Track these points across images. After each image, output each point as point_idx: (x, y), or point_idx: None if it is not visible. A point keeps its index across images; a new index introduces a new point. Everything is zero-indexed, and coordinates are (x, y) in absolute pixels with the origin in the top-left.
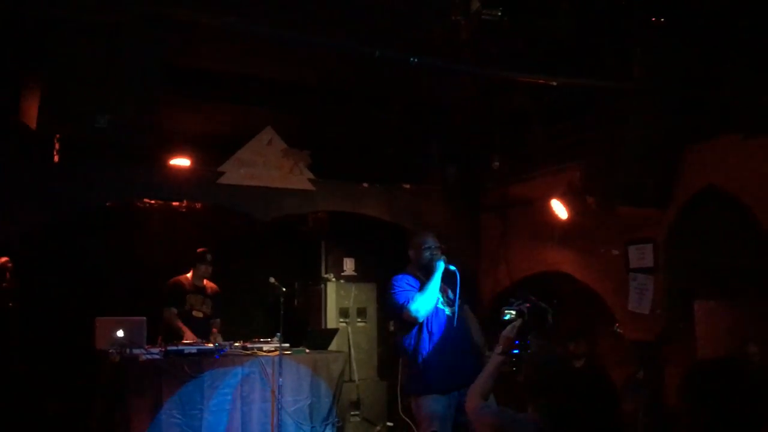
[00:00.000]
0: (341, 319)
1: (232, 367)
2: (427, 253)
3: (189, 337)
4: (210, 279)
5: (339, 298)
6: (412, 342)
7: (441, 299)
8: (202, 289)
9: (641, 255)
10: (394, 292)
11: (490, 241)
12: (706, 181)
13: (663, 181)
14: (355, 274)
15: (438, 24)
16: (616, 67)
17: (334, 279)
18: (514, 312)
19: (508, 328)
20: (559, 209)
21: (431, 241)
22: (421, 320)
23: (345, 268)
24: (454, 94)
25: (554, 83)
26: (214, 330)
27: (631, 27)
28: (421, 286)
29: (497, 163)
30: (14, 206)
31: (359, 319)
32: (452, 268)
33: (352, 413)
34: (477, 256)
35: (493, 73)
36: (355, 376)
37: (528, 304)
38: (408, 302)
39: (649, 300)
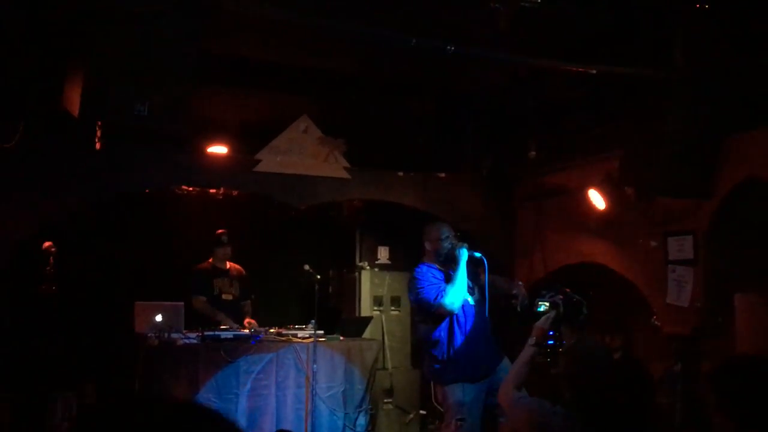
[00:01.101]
0: (375, 307)
1: (268, 353)
2: (446, 243)
3: (226, 322)
4: (233, 261)
5: (373, 287)
6: (443, 334)
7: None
8: (226, 272)
9: (681, 247)
10: (423, 288)
11: (525, 231)
12: (747, 173)
13: (703, 171)
14: (389, 262)
15: (475, 12)
16: (655, 56)
17: (368, 267)
18: (547, 304)
19: (542, 319)
20: (597, 199)
21: (447, 231)
22: (456, 311)
23: (379, 256)
24: (491, 82)
25: (593, 72)
26: (248, 316)
27: (671, 14)
28: (446, 277)
29: (534, 153)
30: (56, 192)
31: (393, 308)
32: (477, 255)
33: (385, 401)
34: (511, 246)
35: (530, 61)
36: (389, 364)
37: (562, 296)
38: (440, 296)
39: (688, 293)
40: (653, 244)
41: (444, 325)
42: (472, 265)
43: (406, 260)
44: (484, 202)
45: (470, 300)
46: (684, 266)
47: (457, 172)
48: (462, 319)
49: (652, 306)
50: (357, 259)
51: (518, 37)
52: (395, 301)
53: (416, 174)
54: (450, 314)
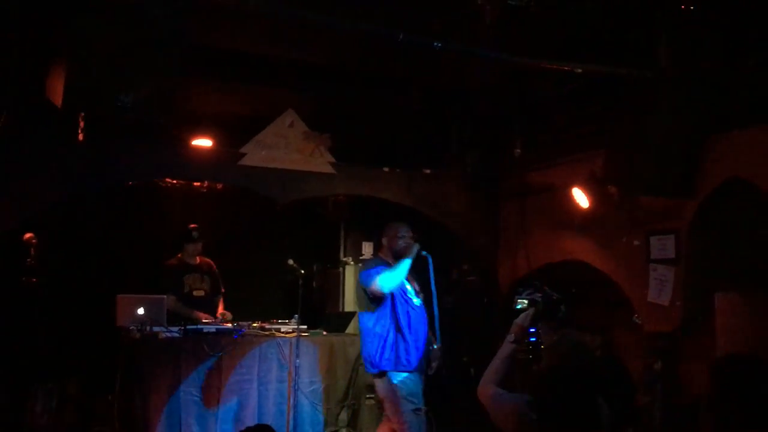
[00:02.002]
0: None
1: (250, 348)
2: (400, 242)
3: (200, 317)
4: (205, 255)
5: (357, 282)
6: (386, 326)
7: (412, 289)
8: (196, 267)
9: (663, 246)
10: (368, 273)
11: (510, 229)
12: (730, 173)
13: (686, 171)
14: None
15: (463, 8)
16: (641, 55)
17: (352, 263)
18: (526, 301)
19: (522, 316)
20: (581, 198)
21: (405, 231)
22: (386, 293)
23: (364, 251)
24: (476, 79)
25: (579, 70)
26: (221, 309)
27: (656, 15)
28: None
29: (519, 150)
30: (39, 183)
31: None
32: (424, 253)
33: (367, 396)
34: (496, 243)
35: (516, 59)
36: None
37: (540, 294)
38: (378, 277)
39: (670, 291)
40: (635, 242)
41: (387, 317)
42: (420, 265)
43: None
44: (469, 199)
45: (416, 301)
46: (666, 265)
47: (443, 169)
48: (405, 315)
49: (634, 304)
50: (341, 255)
51: (505, 35)
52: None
53: (402, 170)
54: (381, 295)
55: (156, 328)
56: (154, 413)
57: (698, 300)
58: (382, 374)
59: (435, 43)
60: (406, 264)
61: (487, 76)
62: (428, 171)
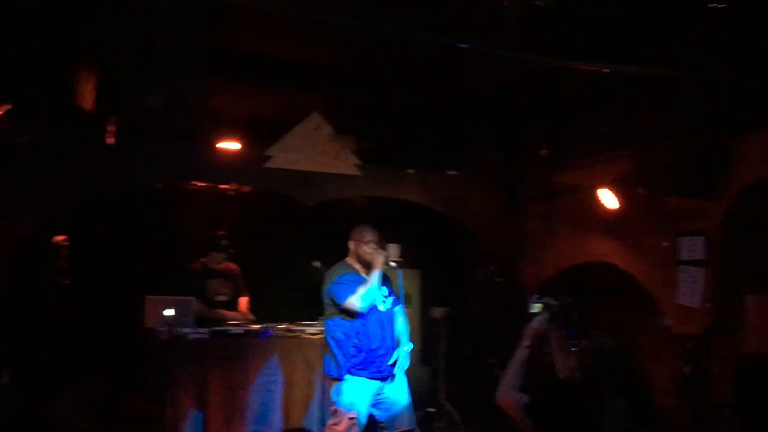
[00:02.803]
0: None
1: (277, 349)
2: (366, 248)
3: (226, 315)
4: (229, 259)
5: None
6: (349, 332)
7: (378, 296)
8: (221, 272)
9: (692, 247)
10: (338, 282)
11: (534, 230)
12: (758, 174)
13: (713, 172)
14: (399, 260)
15: (485, 8)
16: (666, 54)
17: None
18: (541, 305)
19: (537, 319)
20: (608, 198)
21: (371, 235)
22: (363, 311)
23: (389, 252)
24: (500, 80)
25: (606, 70)
26: (244, 309)
27: (683, 13)
28: (365, 281)
29: (545, 151)
30: (69, 186)
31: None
32: (393, 264)
33: None
34: (520, 245)
35: (541, 59)
36: None
37: (554, 298)
38: (350, 296)
39: (699, 293)
40: (664, 244)
41: (350, 323)
42: (388, 272)
43: (415, 258)
44: (493, 201)
45: (381, 307)
46: (695, 267)
47: (466, 170)
48: (369, 321)
49: (662, 306)
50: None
51: (529, 35)
52: (405, 299)
53: (426, 171)
54: (356, 314)
55: (184, 329)
56: (181, 413)
57: (728, 302)
58: (338, 378)
59: (460, 44)
60: (376, 277)
61: (510, 76)
62: (452, 172)
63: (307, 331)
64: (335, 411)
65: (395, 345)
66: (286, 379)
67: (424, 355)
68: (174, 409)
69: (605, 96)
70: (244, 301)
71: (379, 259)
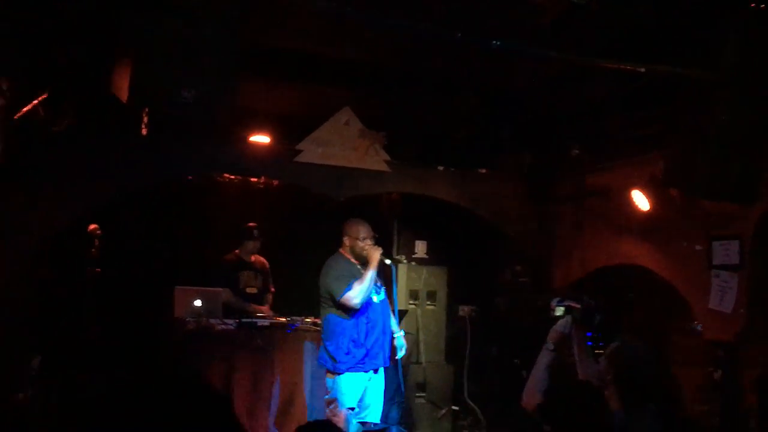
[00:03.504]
0: (411, 301)
1: (302, 343)
2: (361, 244)
3: (255, 309)
4: (262, 254)
5: (409, 280)
6: (345, 324)
7: (372, 289)
8: (252, 265)
9: (726, 251)
10: (335, 277)
11: (564, 231)
12: None
13: (749, 175)
14: (427, 257)
15: (521, 6)
16: (704, 55)
17: (405, 261)
18: (563, 308)
19: (560, 323)
20: (640, 200)
21: (365, 232)
22: (358, 307)
23: (416, 250)
24: (533, 79)
25: (642, 70)
26: (266, 307)
27: (722, 13)
28: (361, 276)
29: (577, 151)
30: (103, 176)
31: (429, 302)
32: (387, 262)
33: (417, 395)
34: (550, 245)
35: (575, 58)
36: (422, 359)
37: (577, 301)
38: (348, 291)
39: (732, 298)
40: (697, 247)
41: (348, 319)
42: (383, 268)
43: (443, 255)
44: (523, 200)
45: (376, 299)
46: (729, 271)
47: (497, 169)
48: (364, 314)
49: (694, 311)
50: (394, 253)
51: (564, 34)
52: (431, 296)
53: (456, 169)
54: (354, 308)
55: (211, 320)
56: None
57: (762, 308)
58: (335, 372)
59: (493, 42)
60: (372, 272)
61: (544, 75)
62: (483, 171)
63: None
64: (332, 401)
65: (389, 336)
66: (311, 373)
67: (448, 352)
68: None
69: (640, 97)
70: (268, 298)
71: (375, 255)
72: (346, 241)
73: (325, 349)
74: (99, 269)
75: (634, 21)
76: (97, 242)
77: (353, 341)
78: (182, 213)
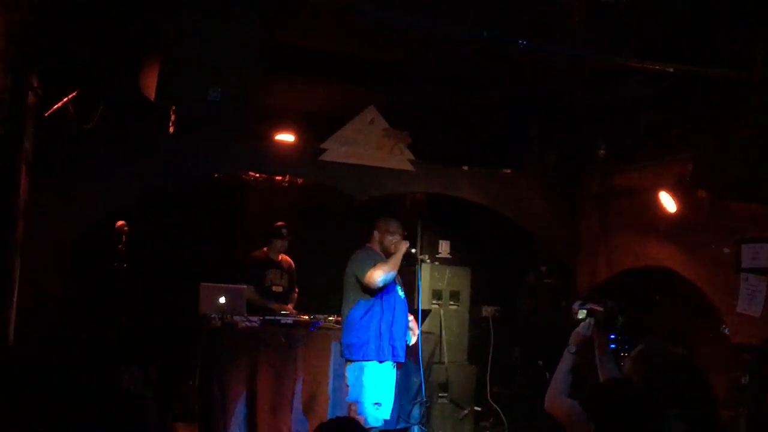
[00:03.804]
0: (434, 301)
1: (325, 341)
2: (390, 237)
3: (277, 308)
4: (287, 253)
5: (433, 280)
6: (369, 314)
7: (398, 284)
8: (279, 264)
9: (755, 254)
10: (362, 261)
11: (590, 232)
12: None
13: None
14: (450, 256)
15: (548, 5)
16: (734, 55)
17: (428, 261)
18: (585, 311)
19: (583, 325)
20: (667, 202)
21: (396, 227)
22: (379, 286)
23: (440, 250)
24: (559, 78)
25: (670, 70)
26: (290, 305)
27: (753, 13)
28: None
29: (603, 151)
30: (131, 173)
31: (452, 302)
32: (414, 251)
33: (440, 395)
34: (575, 246)
35: (603, 57)
36: (445, 359)
37: (599, 303)
38: (373, 270)
39: (761, 302)
40: (725, 250)
41: (371, 306)
42: (407, 263)
43: (467, 255)
44: (548, 201)
45: (401, 294)
46: (757, 275)
47: (522, 169)
48: (389, 306)
49: (721, 314)
50: (418, 252)
51: (592, 33)
52: (454, 296)
53: (481, 169)
54: (375, 287)
55: (236, 317)
56: (230, 399)
57: None
58: (357, 361)
59: (520, 42)
60: (396, 259)
61: (570, 75)
62: (508, 171)
63: None
64: (354, 404)
65: (407, 331)
66: (334, 371)
67: (471, 353)
68: (223, 394)
69: (668, 97)
70: (293, 297)
71: (401, 247)
72: (376, 234)
73: (350, 339)
74: (126, 265)
75: (664, 21)
76: (124, 239)
77: (379, 331)
78: (208, 210)
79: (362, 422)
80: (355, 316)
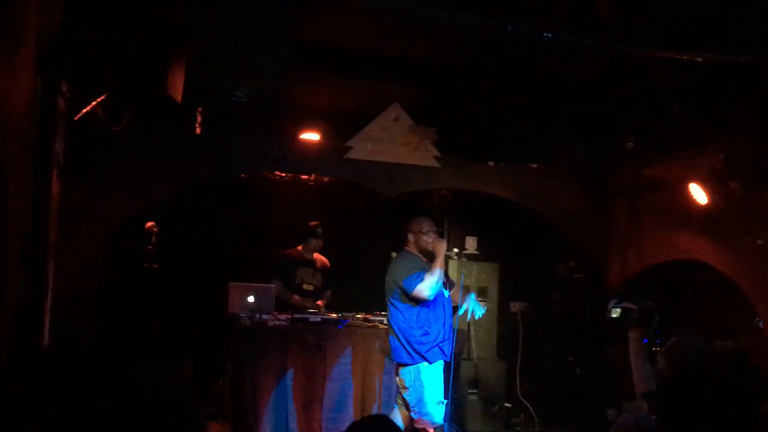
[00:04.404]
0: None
1: (354, 339)
2: (426, 238)
3: (298, 302)
4: (321, 253)
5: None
6: (418, 317)
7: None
8: (312, 263)
9: None
10: (406, 271)
11: (620, 225)
12: None
13: None
14: (477, 252)
15: None
16: (763, 43)
17: (456, 257)
18: (620, 310)
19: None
20: (698, 194)
21: (429, 225)
22: (431, 298)
23: (467, 246)
24: (587, 71)
25: (699, 59)
26: (320, 303)
27: None
28: (430, 269)
29: (632, 144)
30: (159, 174)
31: (480, 298)
32: (456, 250)
33: (469, 391)
34: (605, 240)
35: (630, 48)
36: (474, 355)
37: (634, 303)
38: (420, 281)
39: None
40: (759, 241)
41: (417, 310)
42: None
43: (494, 251)
44: (577, 195)
45: (446, 293)
46: None
47: (550, 163)
48: (436, 307)
49: (757, 307)
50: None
51: (620, 24)
52: (482, 292)
53: (507, 164)
54: (426, 299)
55: (264, 316)
56: (261, 398)
57: None
58: (412, 364)
59: (545, 34)
60: (440, 264)
61: (598, 67)
62: (534, 165)
63: (385, 322)
64: (419, 421)
65: (452, 332)
66: (363, 369)
67: (500, 349)
68: (254, 392)
69: (701, 88)
70: (327, 295)
71: (441, 248)
72: (410, 237)
73: (402, 342)
74: (156, 265)
75: (692, 10)
76: (153, 239)
77: (426, 332)
78: (236, 210)
79: (427, 423)
80: (403, 321)
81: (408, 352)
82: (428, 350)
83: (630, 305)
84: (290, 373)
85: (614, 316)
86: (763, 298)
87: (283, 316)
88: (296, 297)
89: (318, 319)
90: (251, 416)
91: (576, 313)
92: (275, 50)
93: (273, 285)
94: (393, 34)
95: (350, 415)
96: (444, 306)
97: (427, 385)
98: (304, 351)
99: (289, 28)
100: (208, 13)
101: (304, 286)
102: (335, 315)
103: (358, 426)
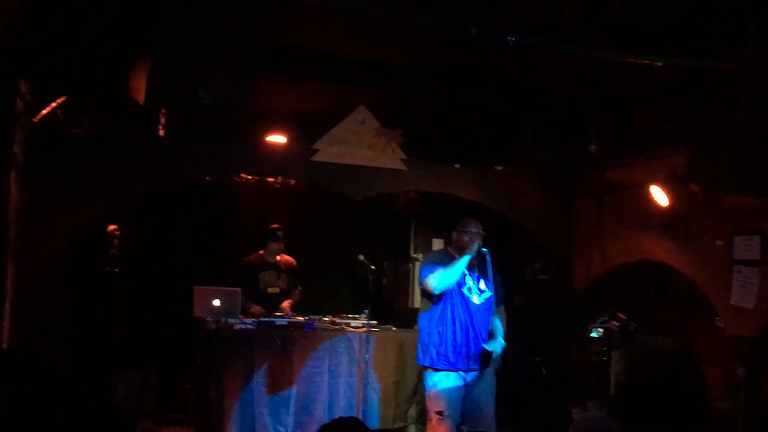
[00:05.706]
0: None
1: (321, 342)
2: (466, 237)
3: (257, 311)
4: (286, 253)
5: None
6: (436, 321)
7: (475, 286)
8: (275, 265)
9: (748, 247)
10: (424, 264)
11: (584, 228)
12: None
13: None
14: None
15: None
16: (728, 48)
17: (422, 259)
18: (602, 329)
19: None
20: (660, 196)
21: (474, 228)
22: (436, 293)
23: (434, 248)
24: (552, 75)
25: (659, 64)
26: (285, 304)
27: (744, 6)
28: (450, 264)
29: (594, 147)
30: (122, 177)
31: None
32: (483, 249)
33: None
34: (570, 242)
35: (595, 53)
36: None
37: (617, 323)
38: (430, 273)
39: (754, 294)
40: (718, 243)
41: (437, 315)
42: (479, 261)
43: None
44: (543, 197)
45: (477, 299)
46: (750, 267)
47: (515, 166)
48: (458, 313)
49: (715, 307)
50: (411, 251)
51: (584, 29)
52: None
53: (474, 167)
54: (431, 293)
55: (230, 320)
56: (228, 402)
57: None
58: (428, 368)
59: (509, 38)
60: (461, 262)
61: (563, 71)
62: (500, 168)
63: (351, 324)
64: (438, 416)
65: (484, 340)
66: (330, 371)
67: None
68: (220, 396)
69: (664, 92)
70: (295, 294)
71: (472, 246)
72: (453, 235)
73: (419, 344)
74: (118, 269)
75: (655, 16)
76: (116, 243)
77: (438, 334)
78: (200, 213)
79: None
80: (422, 322)
81: (422, 355)
82: (437, 356)
83: (613, 324)
84: (257, 376)
85: (594, 335)
86: (722, 298)
87: (249, 320)
88: (255, 307)
89: (284, 322)
90: (217, 421)
91: (542, 314)
92: (239, 52)
93: (239, 289)
94: (358, 36)
95: (318, 418)
96: (472, 312)
97: (436, 394)
98: (270, 354)
99: (256, 31)
100: (173, 14)
101: (269, 290)
102: (302, 318)
103: (329, 428)
